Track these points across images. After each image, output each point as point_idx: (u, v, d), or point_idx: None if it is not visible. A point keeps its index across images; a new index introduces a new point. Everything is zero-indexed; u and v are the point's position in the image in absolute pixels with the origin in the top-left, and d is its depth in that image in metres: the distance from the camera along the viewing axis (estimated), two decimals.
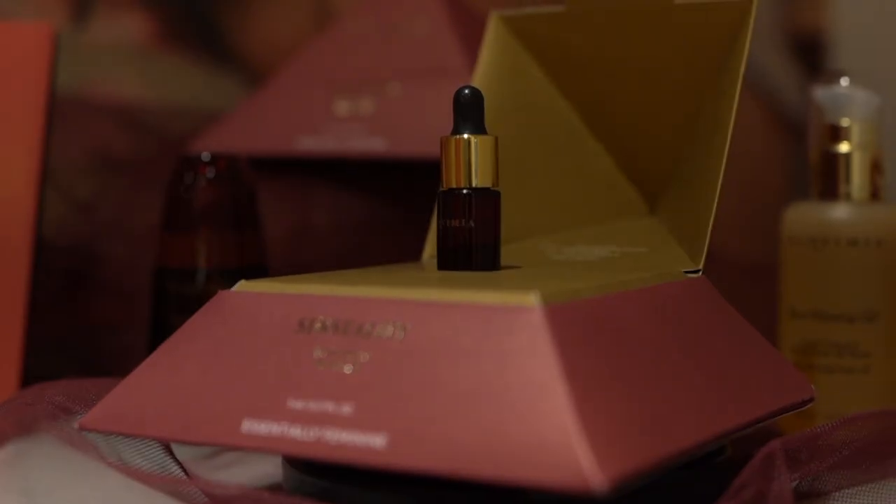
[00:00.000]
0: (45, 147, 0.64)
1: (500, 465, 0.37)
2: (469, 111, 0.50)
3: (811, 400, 0.49)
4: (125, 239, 0.74)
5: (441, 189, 0.50)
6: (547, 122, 0.57)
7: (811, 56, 1.00)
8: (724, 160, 0.50)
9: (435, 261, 0.53)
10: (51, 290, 0.72)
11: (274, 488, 0.48)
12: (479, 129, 0.50)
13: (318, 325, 0.43)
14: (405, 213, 0.72)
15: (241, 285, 0.46)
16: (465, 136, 0.50)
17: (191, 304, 0.59)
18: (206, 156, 0.62)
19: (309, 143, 0.70)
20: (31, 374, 0.61)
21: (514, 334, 0.39)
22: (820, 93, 0.59)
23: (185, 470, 0.47)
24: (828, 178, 0.59)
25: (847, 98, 0.58)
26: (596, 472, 0.36)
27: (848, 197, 0.58)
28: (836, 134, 0.59)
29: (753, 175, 0.96)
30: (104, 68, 0.77)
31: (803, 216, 0.59)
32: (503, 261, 0.51)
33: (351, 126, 0.70)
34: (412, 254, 0.59)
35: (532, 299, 0.40)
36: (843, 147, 0.59)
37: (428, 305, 0.41)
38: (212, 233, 0.61)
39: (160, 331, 0.61)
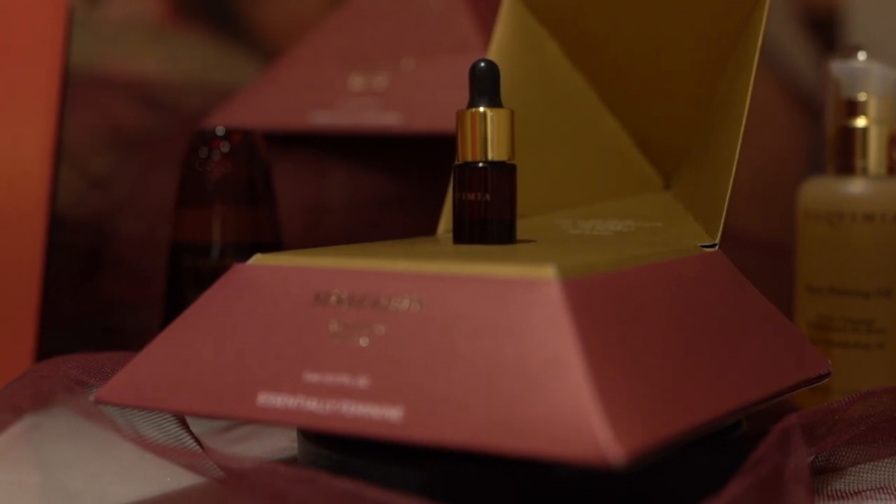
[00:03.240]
0: (60, 123, 0.64)
1: (516, 439, 0.37)
2: (485, 84, 0.50)
3: (828, 375, 0.49)
4: (140, 215, 0.74)
5: (456, 163, 0.50)
6: (562, 98, 0.57)
7: (826, 32, 0.99)
8: (741, 134, 0.50)
9: (450, 235, 0.53)
10: (65, 266, 0.72)
11: (289, 462, 0.48)
12: (494, 102, 0.50)
13: (333, 298, 0.43)
14: (419, 189, 0.72)
15: (257, 258, 0.46)
16: (481, 109, 0.49)
17: (205, 279, 0.59)
18: (220, 130, 0.62)
19: (323, 118, 0.70)
20: (45, 350, 0.61)
21: (530, 307, 0.39)
22: (837, 67, 0.59)
23: (200, 443, 0.47)
24: (844, 154, 0.59)
25: (864, 72, 0.58)
26: (613, 446, 0.36)
27: (864, 172, 0.58)
28: (853, 109, 0.58)
29: (768, 152, 0.96)
30: (118, 45, 0.77)
31: (819, 191, 0.59)
32: (518, 235, 0.51)
33: (365, 101, 0.69)
34: (427, 229, 0.59)
35: (549, 272, 0.40)
36: (860, 122, 0.58)
37: (444, 279, 0.41)
38: (226, 207, 0.61)
39: (175, 306, 0.61)
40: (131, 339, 0.67)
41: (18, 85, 0.63)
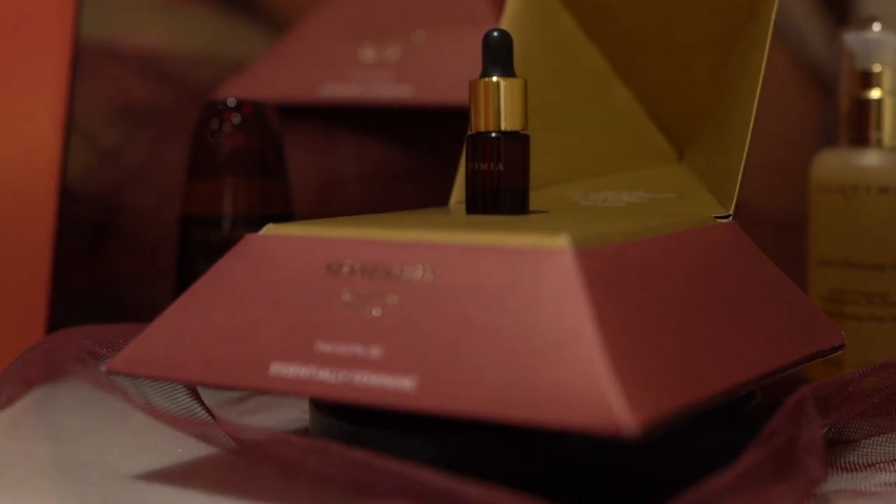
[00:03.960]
0: (70, 96, 0.64)
1: (529, 408, 0.37)
2: (498, 53, 0.49)
3: (842, 346, 0.49)
4: (150, 187, 0.74)
5: (469, 132, 0.50)
6: (575, 69, 0.57)
7: (839, 6, 0.99)
8: (755, 106, 0.50)
9: (462, 206, 0.52)
10: (75, 239, 0.72)
11: (301, 434, 0.48)
12: (507, 71, 0.49)
13: (346, 268, 0.42)
14: (431, 162, 0.71)
15: (269, 228, 0.45)
16: (494, 78, 0.49)
17: (216, 251, 0.59)
18: (231, 102, 0.62)
19: (334, 90, 0.70)
20: (56, 323, 0.61)
21: (544, 277, 0.39)
22: (851, 38, 0.58)
23: (212, 414, 0.47)
24: (858, 125, 0.58)
25: (879, 43, 0.58)
26: (627, 415, 0.35)
27: (879, 144, 0.58)
28: (868, 80, 0.58)
29: (780, 126, 0.95)
30: (128, 17, 0.77)
31: (833, 164, 0.58)
32: (531, 207, 0.51)
33: (377, 73, 0.69)
34: (439, 202, 0.58)
35: (562, 242, 0.40)
36: (875, 93, 0.58)
37: (457, 248, 0.41)
38: (237, 179, 0.61)
39: (185, 278, 0.61)
40: (141, 312, 0.67)
41: (29, 58, 0.63)
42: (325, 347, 0.41)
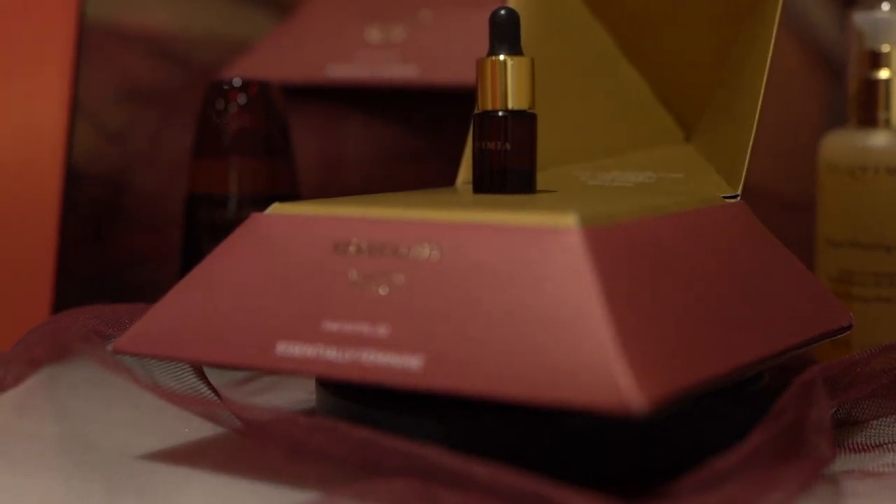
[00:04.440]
0: (76, 77, 0.63)
1: (537, 387, 0.36)
2: (505, 31, 0.49)
3: (849, 327, 0.49)
4: (155, 168, 0.74)
5: (476, 111, 0.50)
6: (582, 48, 0.57)
7: None
8: (763, 86, 0.49)
9: (469, 185, 0.52)
10: (81, 220, 0.72)
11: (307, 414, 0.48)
12: (515, 50, 0.49)
13: (352, 247, 0.42)
14: (437, 142, 0.71)
15: (275, 208, 0.45)
16: (501, 57, 0.49)
17: (222, 230, 0.59)
18: (237, 81, 0.62)
19: (340, 70, 0.70)
20: (62, 304, 0.61)
21: (552, 256, 0.39)
22: (860, 18, 0.58)
23: (218, 394, 0.47)
24: (867, 105, 0.58)
25: (888, 23, 0.57)
26: (635, 394, 0.35)
27: (887, 124, 0.58)
28: (876, 60, 0.58)
29: (787, 108, 0.95)
30: None
31: (841, 144, 0.58)
32: (538, 186, 0.51)
33: (383, 54, 0.69)
34: (445, 183, 0.58)
35: (570, 221, 0.39)
36: (884, 73, 0.58)
37: (464, 227, 0.41)
38: (243, 159, 0.61)
39: (191, 258, 0.61)
40: (147, 293, 0.67)
41: (34, 39, 0.63)
42: (331, 326, 0.41)
